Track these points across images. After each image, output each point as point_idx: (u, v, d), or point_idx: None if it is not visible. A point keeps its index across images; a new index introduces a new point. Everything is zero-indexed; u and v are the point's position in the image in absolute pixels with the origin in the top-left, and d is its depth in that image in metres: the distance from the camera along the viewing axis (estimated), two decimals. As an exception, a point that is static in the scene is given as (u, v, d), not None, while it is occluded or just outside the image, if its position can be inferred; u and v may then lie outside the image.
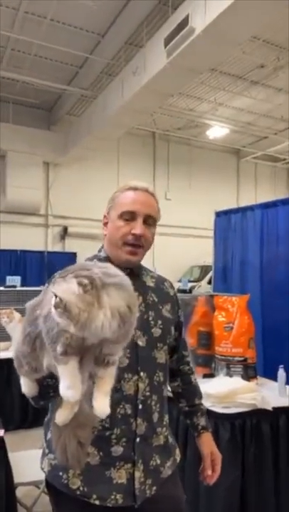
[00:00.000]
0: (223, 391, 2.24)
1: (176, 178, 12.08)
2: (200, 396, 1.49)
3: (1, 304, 4.21)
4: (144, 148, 11.80)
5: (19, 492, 2.16)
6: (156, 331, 1.26)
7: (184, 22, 5.16)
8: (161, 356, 1.28)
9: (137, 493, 1.17)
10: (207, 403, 2.20)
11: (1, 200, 9.82)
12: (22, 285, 5.44)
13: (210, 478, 1.41)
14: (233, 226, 4.14)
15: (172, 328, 1.34)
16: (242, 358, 2.65)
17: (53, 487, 1.20)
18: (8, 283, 5.23)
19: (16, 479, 1.99)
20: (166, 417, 1.31)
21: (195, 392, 1.48)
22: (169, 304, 1.35)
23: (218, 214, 4.42)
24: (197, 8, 5.00)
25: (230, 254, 4.17)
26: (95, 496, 1.15)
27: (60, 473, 1.17)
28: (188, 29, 5.10)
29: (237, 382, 2.47)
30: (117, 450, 1.17)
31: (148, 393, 1.22)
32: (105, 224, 1.31)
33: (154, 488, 1.22)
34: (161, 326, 1.28)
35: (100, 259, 1.30)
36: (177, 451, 1.36)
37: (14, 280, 5.28)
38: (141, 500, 1.18)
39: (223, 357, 2.69)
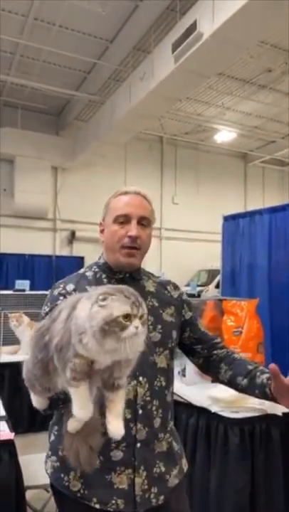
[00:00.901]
0: (233, 396, 2.23)
1: (183, 183, 12.07)
2: (251, 363, 1.32)
3: (10, 308, 4.25)
4: (152, 153, 11.82)
5: (28, 495, 2.17)
6: (156, 336, 1.25)
7: (192, 27, 5.18)
8: (162, 361, 1.27)
9: (138, 500, 1.16)
10: (216, 408, 2.20)
11: (10, 205, 9.86)
12: (30, 289, 5.46)
13: None
14: (241, 230, 4.14)
15: (174, 332, 1.32)
16: (251, 363, 2.64)
17: (56, 489, 1.22)
18: (17, 287, 5.25)
19: (26, 482, 2.00)
20: (171, 424, 1.30)
21: (244, 363, 1.32)
22: (172, 307, 1.34)
23: (226, 218, 4.43)
24: (205, 14, 5.02)
25: (238, 258, 4.17)
26: (95, 500, 1.15)
27: (62, 475, 1.18)
28: (196, 34, 5.11)
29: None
30: (117, 455, 1.16)
31: (148, 398, 1.21)
32: (102, 231, 1.34)
33: (162, 497, 1.20)
34: (160, 331, 1.27)
35: (99, 266, 1.33)
36: (184, 460, 1.33)
37: (24, 284, 5.29)
38: (144, 508, 1.17)
39: (231, 361, 2.68)
